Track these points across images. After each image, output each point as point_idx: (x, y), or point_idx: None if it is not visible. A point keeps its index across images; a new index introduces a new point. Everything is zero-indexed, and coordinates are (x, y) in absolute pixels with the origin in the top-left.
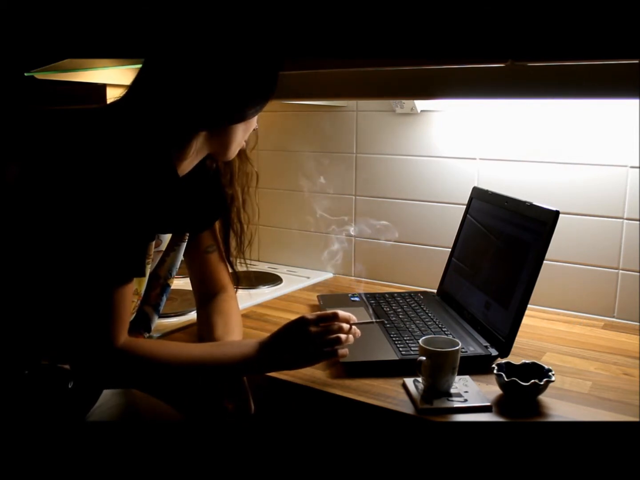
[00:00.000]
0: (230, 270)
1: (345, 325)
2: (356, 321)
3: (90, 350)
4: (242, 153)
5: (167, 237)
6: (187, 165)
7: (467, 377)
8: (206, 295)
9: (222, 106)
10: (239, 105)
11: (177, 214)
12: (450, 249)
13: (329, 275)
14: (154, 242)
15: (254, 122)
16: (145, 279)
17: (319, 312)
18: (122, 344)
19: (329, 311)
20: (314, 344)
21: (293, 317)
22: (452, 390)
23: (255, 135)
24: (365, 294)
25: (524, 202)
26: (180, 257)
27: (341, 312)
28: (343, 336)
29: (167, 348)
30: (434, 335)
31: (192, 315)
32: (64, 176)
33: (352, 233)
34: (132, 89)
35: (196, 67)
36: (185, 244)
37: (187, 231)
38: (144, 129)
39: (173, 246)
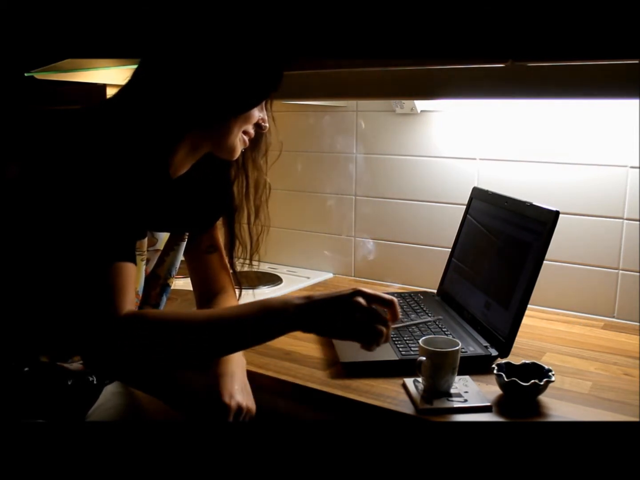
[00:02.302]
0: (231, 271)
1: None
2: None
3: (95, 325)
4: (256, 162)
5: (162, 236)
6: (182, 161)
7: (467, 377)
8: (206, 295)
9: (208, 103)
10: (223, 102)
11: (170, 211)
12: (450, 249)
13: (329, 275)
14: (146, 239)
15: (251, 117)
16: (142, 277)
17: (378, 292)
18: (127, 312)
19: (388, 296)
20: (353, 319)
21: None
22: (452, 391)
23: (279, 143)
24: None
25: (524, 202)
26: (180, 256)
27: (397, 306)
28: (384, 330)
29: (180, 313)
30: (434, 335)
31: None
32: (57, 169)
33: (352, 233)
34: (126, 85)
35: (180, 62)
36: (185, 243)
37: (186, 230)
38: (133, 125)
39: (172, 246)
